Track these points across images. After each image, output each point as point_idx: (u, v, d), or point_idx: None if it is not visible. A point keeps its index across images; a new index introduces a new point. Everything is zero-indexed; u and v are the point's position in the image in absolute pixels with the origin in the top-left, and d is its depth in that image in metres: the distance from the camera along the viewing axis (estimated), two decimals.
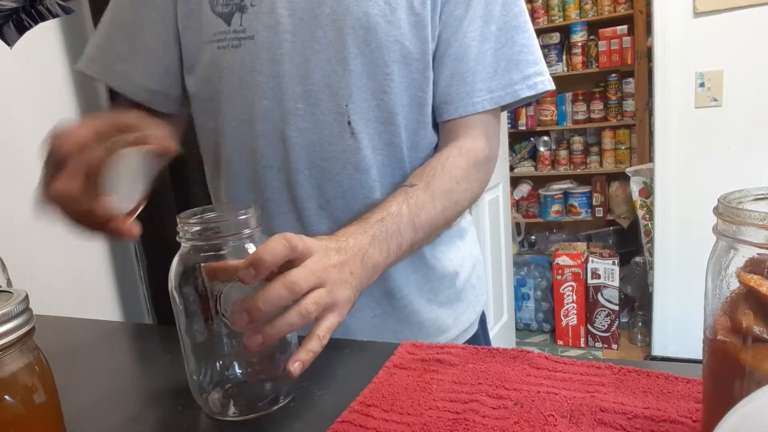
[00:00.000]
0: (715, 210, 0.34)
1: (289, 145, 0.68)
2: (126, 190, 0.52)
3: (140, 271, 1.61)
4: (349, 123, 0.67)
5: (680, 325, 2.27)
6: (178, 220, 0.49)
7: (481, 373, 0.50)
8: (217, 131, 0.73)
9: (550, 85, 0.72)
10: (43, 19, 1.02)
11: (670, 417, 0.41)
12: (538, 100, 3.14)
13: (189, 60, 0.71)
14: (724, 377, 0.34)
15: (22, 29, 1.01)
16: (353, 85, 0.66)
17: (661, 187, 2.26)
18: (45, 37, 1.37)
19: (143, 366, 0.66)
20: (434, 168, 0.67)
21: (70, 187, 0.48)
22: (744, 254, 0.32)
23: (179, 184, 1.61)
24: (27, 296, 0.36)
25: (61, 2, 1.02)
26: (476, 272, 0.84)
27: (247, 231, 0.48)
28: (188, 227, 0.48)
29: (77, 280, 1.45)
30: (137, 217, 0.55)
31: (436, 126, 0.73)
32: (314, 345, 0.47)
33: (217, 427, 0.48)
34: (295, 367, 0.45)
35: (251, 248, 0.48)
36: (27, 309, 0.36)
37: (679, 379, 0.46)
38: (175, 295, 0.49)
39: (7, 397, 0.34)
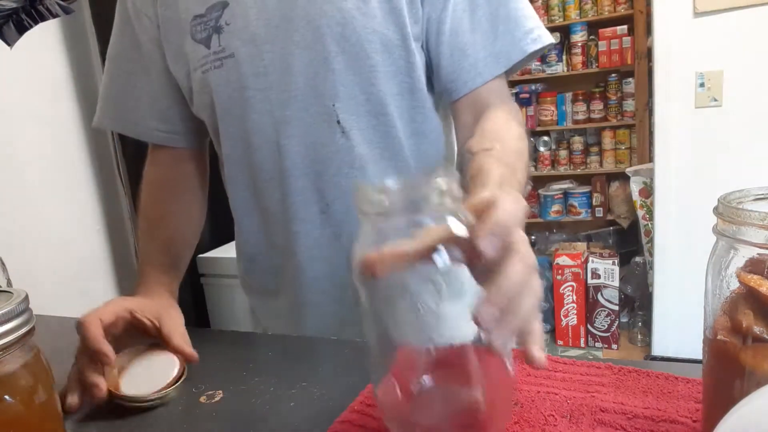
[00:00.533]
0: (715, 210, 0.34)
1: (283, 154, 0.68)
2: (145, 381, 0.55)
3: None
4: (338, 122, 0.67)
5: (680, 326, 2.27)
6: (361, 190, 0.37)
7: None
8: (221, 155, 0.75)
9: (551, 38, 0.70)
10: (43, 19, 1.02)
11: (670, 417, 0.41)
12: (538, 100, 3.14)
13: (186, 92, 0.74)
14: (724, 377, 0.34)
15: (22, 29, 1.01)
16: (338, 83, 0.66)
17: (661, 187, 2.26)
18: (45, 37, 1.37)
19: None
20: (495, 131, 0.63)
21: (72, 404, 0.54)
22: (744, 254, 0.32)
23: None
24: (27, 296, 0.36)
25: (61, 2, 1.02)
26: None
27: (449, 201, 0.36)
28: (379, 198, 0.36)
29: (77, 280, 1.45)
30: None
31: (437, 111, 0.72)
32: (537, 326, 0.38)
33: (217, 427, 0.48)
34: (542, 355, 0.37)
35: (453, 222, 0.36)
36: (27, 309, 0.36)
37: (679, 379, 0.46)
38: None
39: (7, 397, 0.34)
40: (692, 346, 1.42)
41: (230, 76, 0.67)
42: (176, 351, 0.58)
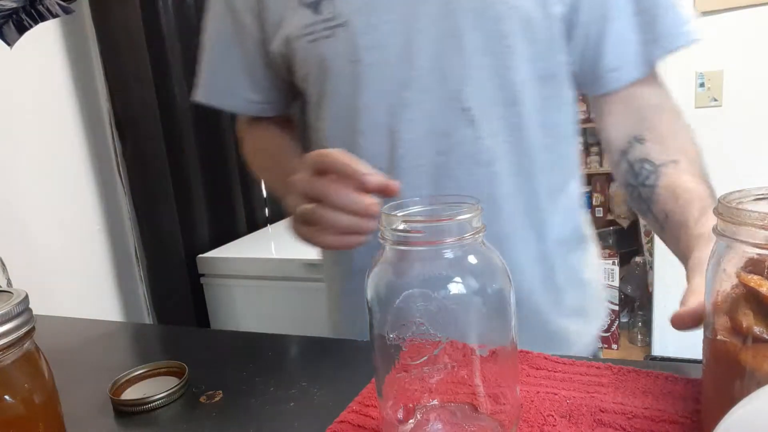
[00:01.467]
0: (715, 210, 0.34)
1: (396, 141, 0.60)
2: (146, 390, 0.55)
3: (140, 271, 1.61)
4: (465, 110, 0.59)
5: None
6: (385, 218, 0.38)
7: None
8: (319, 130, 0.67)
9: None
10: (43, 19, 1.02)
11: (670, 417, 0.41)
12: None
13: (283, 61, 0.67)
14: (724, 377, 0.34)
15: (22, 29, 1.01)
16: (468, 64, 0.57)
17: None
18: (45, 37, 1.37)
19: None
20: (672, 135, 0.59)
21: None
22: (744, 254, 0.32)
23: (179, 184, 1.61)
24: (27, 296, 0.36)
25: (61, 2, 1.03)
26: (599, 279, 0.75)
27: (468, 236, 0.36)
28: (398, 224, 0.36)
29: (77, 280, 1.45)
30: None
31: (569, 98, 0.66)
32: None
33: (217, 426, 0.48)
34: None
35: (472, 259, 0.37)
36: (27, 309, 0.36)
37: (679, 379, 0.46)
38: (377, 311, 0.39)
39: (7, 397, 0.34)
40: (692, 346, 1.42)
41: (341, 47, 0.59)
42: (375, 186, 0.48)
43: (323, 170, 0.49)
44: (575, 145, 0.69)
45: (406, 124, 0.60)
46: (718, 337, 0.34)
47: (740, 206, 0.33)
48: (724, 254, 0.34)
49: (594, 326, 0.73)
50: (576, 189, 0.71)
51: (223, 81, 0.73)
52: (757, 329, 0.32)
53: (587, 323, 0.72)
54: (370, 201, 0.47)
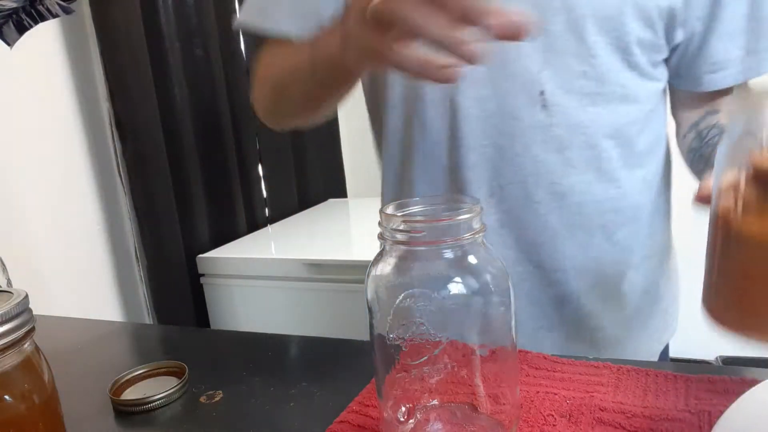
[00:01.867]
0: (735, 94, 0.34)
1: (459, 115, 0.57)
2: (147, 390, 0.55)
3: (140, 271, 1.61)
4: (541, 93, 0.55)
5: (679, 325, 2.26)
6: (387, 218, 0.37)
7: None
8: (379, 94, 0.63)
9: None
10: (43, 19, 1.02)
11: (670, 416, 0.41)
12: None
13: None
14: (727, 252, 0.35)
15: (22, 29, 1.01)
16: (553, 46, 0.54)
17: None
18: (45, 37, 1.37)
19: None
20: None
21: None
22: (758, 140, 0.33)
23: (179, 184, 1.61)
24: (27, 296, 0.36)
25: (61, 2, 1.03)
26: (672, 288, 0.70)
27: (468, 236, 0.36)
28: (398, 224, 0.36)
29: (77, 280, 1.45)
30: None
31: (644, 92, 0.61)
32: None
33: (217, 426, 0.48)
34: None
35: (472, 260, 0.37)
36: (27, 309, 0.36)
37: (678, 378, 0.46)
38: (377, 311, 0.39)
39: (7, 397, 0.34)
40: (692, 346, 1.42)
41: None
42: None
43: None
44: (662, 148, 0.65)
45: (473, 100, 0.57)
46: (722, 206, 0.34)
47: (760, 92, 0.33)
48: (738, 138, 0.34)
49: (654, 341, 0.70)
50: (662, 193, 0.67)
51: (272, 6, 0.64)
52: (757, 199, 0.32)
53: (646, 335, 0.69)
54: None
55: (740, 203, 0.33)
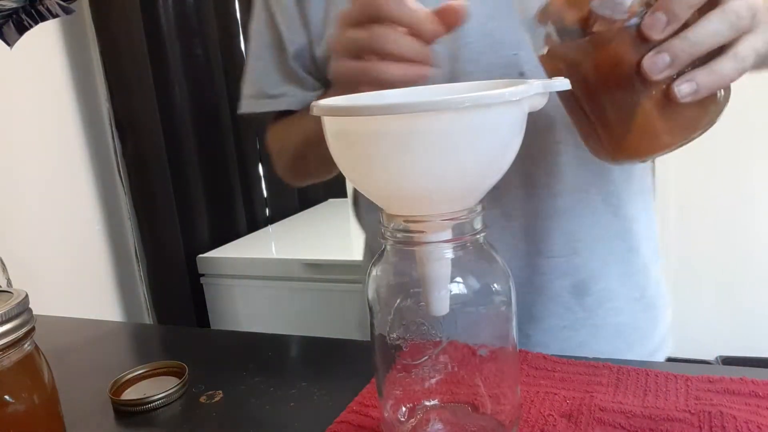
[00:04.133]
0: None
1: None
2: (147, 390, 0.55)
3: (140, 271, 1.61)
4: (521, 74, 0.56)
5: (679, 325, 2.27)
6: (387, 218, 0.36)
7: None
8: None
9: None
10: (43, 19, 1.02)
11: (669, 416, 0.41)
12: None
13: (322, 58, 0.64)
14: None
15: (22, 29, 1.01)
16: (529, 26, 0.55)
17: (659, 186, 2.26)
18: (45, 37, 1.37)
19: None
20: None
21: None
22: None
23: (179, 184, 1.61)
24: (27, 296, 0.36)
25: (61, 2, 1.03)
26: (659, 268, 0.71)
27: (469, 236, 0.36)
28: (396, 224, 0.36)
29: (77, 280, 1.45)
30: None
31: None
32: (726, 64, 0.34)
33: (217, 426, 0.49)
34: (683, 87, 0.34)
35: (473, 260, 0.37)
36: (27, 309, 0.36)
37: (678, 378, 0.46)
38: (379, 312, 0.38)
39: (7, 397, 0.34)
40: (692, 346, 1.43)
41: None
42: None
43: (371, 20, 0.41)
44: None
45: (467, 76, 0.56)
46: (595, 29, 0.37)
47: None
48: None
49: (662, 322, 0.72)
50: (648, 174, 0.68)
51: (272, 88, 0.69)
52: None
53: (659, 316, 0.70)
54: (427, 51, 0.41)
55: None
